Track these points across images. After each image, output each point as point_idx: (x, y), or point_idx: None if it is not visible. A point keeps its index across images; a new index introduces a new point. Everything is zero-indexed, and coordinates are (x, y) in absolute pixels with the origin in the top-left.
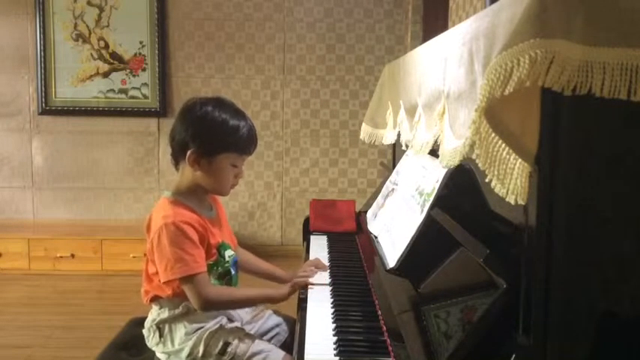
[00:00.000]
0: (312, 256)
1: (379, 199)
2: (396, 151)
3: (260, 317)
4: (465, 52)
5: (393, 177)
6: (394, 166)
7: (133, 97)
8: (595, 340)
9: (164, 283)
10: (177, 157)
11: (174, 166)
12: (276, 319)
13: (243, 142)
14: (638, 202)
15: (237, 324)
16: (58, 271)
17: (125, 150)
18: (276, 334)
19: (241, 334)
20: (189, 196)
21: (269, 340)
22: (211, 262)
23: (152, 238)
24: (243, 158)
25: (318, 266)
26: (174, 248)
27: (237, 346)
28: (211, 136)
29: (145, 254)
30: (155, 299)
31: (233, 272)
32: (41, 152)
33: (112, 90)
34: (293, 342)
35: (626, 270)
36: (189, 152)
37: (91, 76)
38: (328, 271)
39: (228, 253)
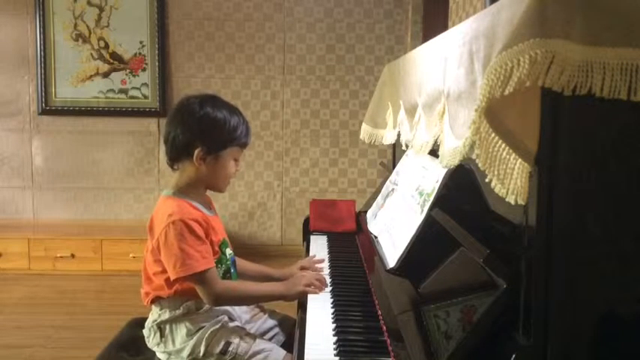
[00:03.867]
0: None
1: (379, 199)
2: (396, 151)
3: (259, 317)
4: (465, 52)
5: (393, 177)
6: (394, 166)
7: (133, 97)
8: (595, 340)
9: (172, 280)
10: (179, 156)
11: (171, 166)
12: (275, 319)
13: (244, 137)
14: (638, 201)
15: (237, 323)
16: (58, 271)
17: (125, 150)
18: (276, 333)
19: (242, 333)
20: (190, 192)
21: (269, 340)
22: (215, 261)
23: (158, 236)
24: (242, 151)
25: (313, 263)
26: (182, 245)
27: (238, 345)
28: (217, 135)
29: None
30: (156, 300)
31: (233, 270)
32: (41, 152)
33: (112, 90)
34: (292, 342)
35: (626, 270)
36: (197, 150)
37: (91, 76)
38: (328, 271)
39: (228, 252)
